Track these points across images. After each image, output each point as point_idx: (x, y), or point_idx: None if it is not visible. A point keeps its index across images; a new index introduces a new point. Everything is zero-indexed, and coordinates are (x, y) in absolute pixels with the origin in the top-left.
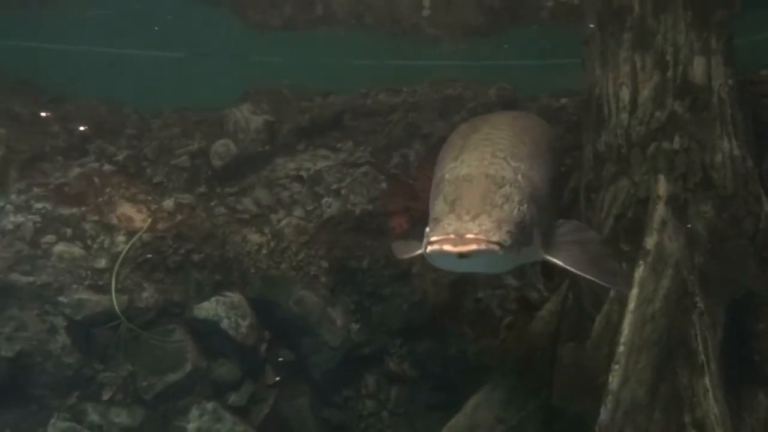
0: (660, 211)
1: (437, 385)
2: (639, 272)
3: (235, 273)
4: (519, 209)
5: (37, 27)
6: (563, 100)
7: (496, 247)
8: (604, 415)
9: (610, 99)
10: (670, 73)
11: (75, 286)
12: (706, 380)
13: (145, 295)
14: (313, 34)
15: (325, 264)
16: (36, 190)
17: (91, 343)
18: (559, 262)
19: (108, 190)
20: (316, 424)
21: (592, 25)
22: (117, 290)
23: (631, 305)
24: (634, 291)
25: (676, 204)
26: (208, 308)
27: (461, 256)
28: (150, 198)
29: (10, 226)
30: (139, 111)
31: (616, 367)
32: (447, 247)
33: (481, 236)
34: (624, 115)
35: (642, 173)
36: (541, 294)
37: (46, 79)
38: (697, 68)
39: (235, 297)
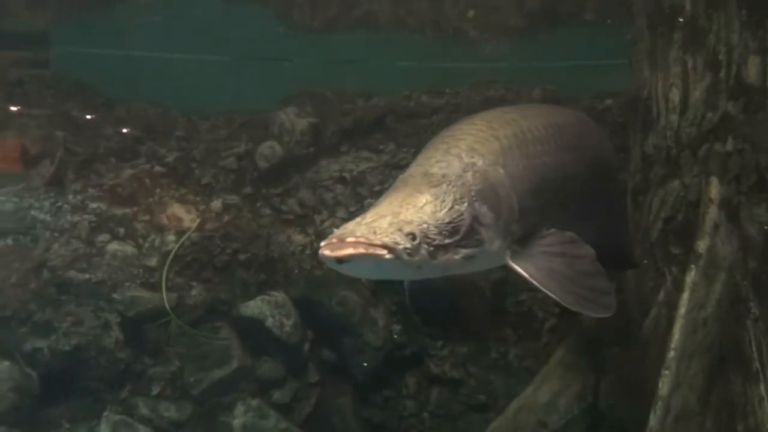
0: (712, 214)
1: (478, 387)
2: (690, 276)
3: (280, 273)
4: (452, 209)
5: (91, 33)
6: (608, 101)
7: (380, 251)
8: (653, 421)
9: (659, 100)
10: (722, 74)
11: (128, 283)
12: (761, 388)
13: (193, 293)
14: (355, 37)
15: None
16: (91, 190)
17: (142, 339)
18: (522, 272)
19: (158, 190)
20: (357, 423)
21: (640, 24)
22: (167, 288)
23: (682, 310)
24: (685, 295)
25: (729, 207)
26: (253, 307)
27: (339, 261)
28: (198, 199)
29: (67, 225)
30: (187, 113)
31: (667, 372)
32: (326, 252)
33: (361, 239)
34: (674, 117)
35: (693, 175)
36: None
37: (100, 83)
38: (752, 68)
39: (279, 296)
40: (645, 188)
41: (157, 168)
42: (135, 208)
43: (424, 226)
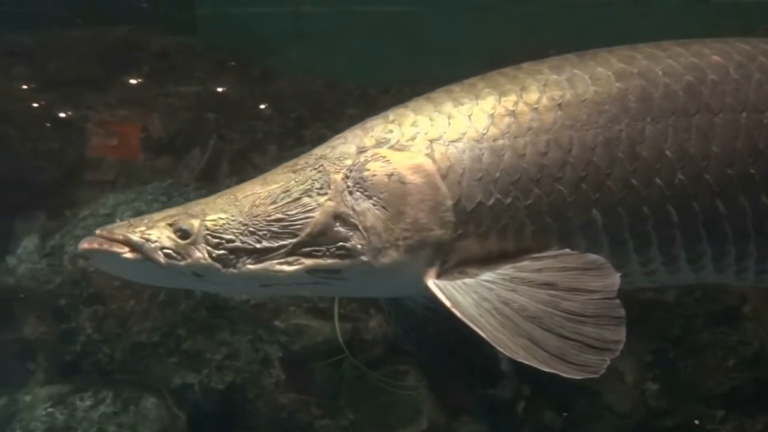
0: None
1: None
2: None
3: None
4: (295, 202)
5: None
6: None
7: (116, 249)
8: None
9: None
10: None
11: (292, 308)
12: None
13: (372, 324)
14: None
15: None
16: None
17: (308, 380)
18: (443, 299)
19: None
20: None
21: None
22: (340, 316)
23: None
24: None
25: None
26: None
27: (82, 256)
28: None
29: None
30: (363, 85)
31: None
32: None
33: (104, 233)
34: None
35: None
36: None
37: (256, 50)
38: None
39: None
40: None
41: None
42: None
43: (220, 221)
